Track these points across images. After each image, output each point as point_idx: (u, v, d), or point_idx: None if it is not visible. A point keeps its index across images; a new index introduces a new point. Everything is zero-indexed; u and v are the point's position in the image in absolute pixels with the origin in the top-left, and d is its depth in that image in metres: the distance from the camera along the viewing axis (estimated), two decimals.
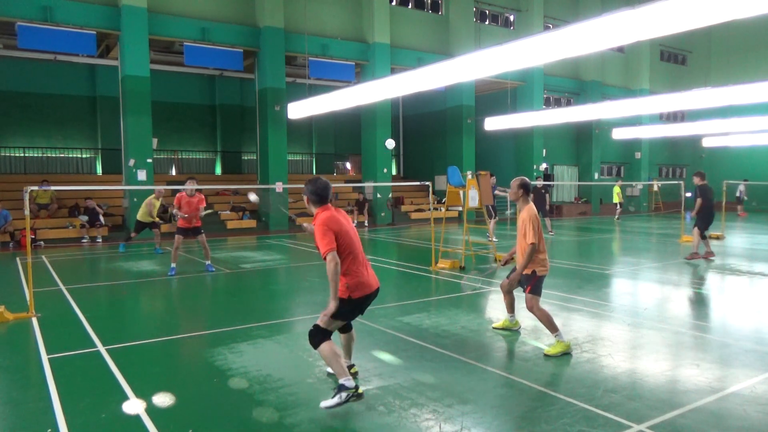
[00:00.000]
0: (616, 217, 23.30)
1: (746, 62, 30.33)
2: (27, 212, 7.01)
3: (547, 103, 27.22)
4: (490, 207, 12.98)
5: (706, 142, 25.56)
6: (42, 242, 14.65)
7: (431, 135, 25.94)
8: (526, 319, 6.20)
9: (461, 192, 10.71)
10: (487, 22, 24.63)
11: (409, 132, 28.18)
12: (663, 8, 5.08)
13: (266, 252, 13.27)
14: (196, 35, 17.18)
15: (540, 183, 17.31)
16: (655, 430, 3.54)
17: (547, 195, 17.23)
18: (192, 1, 17.30)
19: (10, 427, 3.72)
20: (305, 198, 4.05)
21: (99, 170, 21.67)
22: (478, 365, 4.84)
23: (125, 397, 4.17)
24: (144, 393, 4.24)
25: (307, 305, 7.38)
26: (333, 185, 15.94)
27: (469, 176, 10.60)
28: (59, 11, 15.06)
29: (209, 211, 10.09)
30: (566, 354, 5.06)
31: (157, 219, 12.59)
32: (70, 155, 21.40)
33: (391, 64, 20.63)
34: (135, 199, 15.79)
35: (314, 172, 26.65)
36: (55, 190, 16.49)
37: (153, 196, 12.40)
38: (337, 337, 4.26)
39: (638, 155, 30.09)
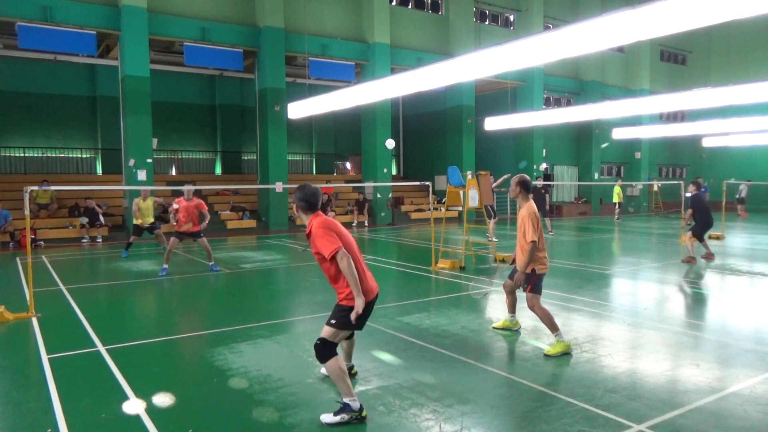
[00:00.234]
0: (616, 217, 23.30)
1: (746, 62, 30.33)
2: (27, 212, 7.01)
3: (547, 103, 27.23)
4: (489, 207, 12.98)
5: (706, 142, 25.56)
6: (42, 242, 14.66)
7: (431, 135, 25.94)
8: (526, 319, 6.20)
9: (461, 192, 10.72)
10: (487, 22, 24.63)
11: (409, 132, 28.19)
12: (663, 8, 5.07)
13: (266, 252, 13.27)
14: (196, 35, 17.18)
15: (540, 183, 17.30)
16: (655, 430, 3.54)
17: (547, 195, 17.22)
18: (192, 1, 17.31)
19: (10, 427, 3.72)
20: (295, 207, 3.89)
21: (99, 170, 21.67)
22: (478, 365, 4.84)
23: (125, 397, 4.17)
24: (144, 393, 4.25)
25: (307, 305, 7.38)
26: (333, 185, 15.83)
27: (469, 176, 10.61)
28: (59, 11, 15.06)
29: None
30: (566, 354, 5.06)
31: (152, 221, 12.32)
32: (70, 155, 21.40)
33: (391, 64, 20.64)
34: (134, 200, 15.75)
35: (314, 172, 26.65)
36: (55, 190, 16.49)
37: (140, 197, 12.27)
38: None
39: (638, 155, 30.10)
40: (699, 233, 10.96)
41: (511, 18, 25.41)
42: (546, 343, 5.43)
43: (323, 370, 4.62)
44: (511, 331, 5.89)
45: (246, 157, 24.78)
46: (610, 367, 4.73)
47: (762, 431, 3.54)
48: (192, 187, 10.05)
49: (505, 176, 13.38)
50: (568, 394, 4.14)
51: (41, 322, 6.48)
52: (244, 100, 24.33)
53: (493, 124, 18.55)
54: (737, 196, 25.23)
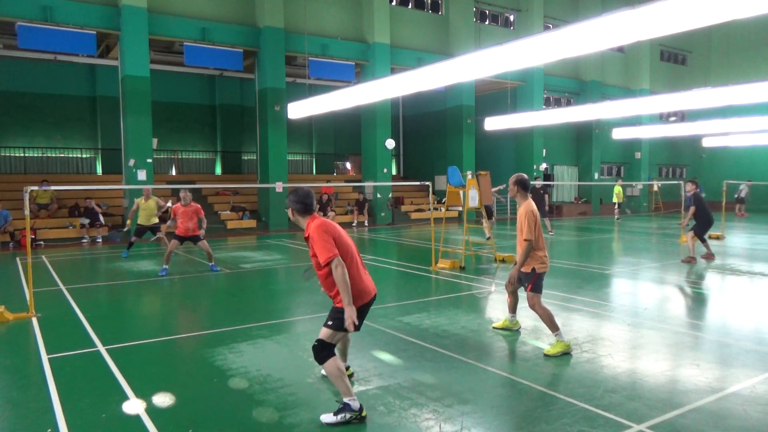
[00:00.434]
0: (616, 217, 23.31)
1: (746, 62, 30.33)
2: (27, 212, 7.01)
3: (547, 103, 27.23)
4: (488, 207, 12.98)
5: (706, 142, 25.56)
6: (42, 242, 14.66)
7: (431, 135, 25.94)
8: (526, 319, 6.20)
9: (461, 192, 10.72)
10: (487, 22, 24.63)
11: (409, 132, 28.19)
12: (663, 8, 5.07)
13: (266, 252, 13.27)
14: (196, 35, 17.18)
15: (539, 183, 17.29)
16: (655, 430, 3.54)
17: (546, 195, 17.19)
18: (192, 1, 17.31)
19: (10, 427, 3.72)
20: (290, 210, 3.87)
21: (99, 170, 21.68)
22: (478, 365, 4.84)
23: (125, 397, 4.17)
24: (144, 393, 4.25)
25: (307, 305, 7.38)
26: (333, 185, 15.75)
27: (469, 176, 10.61)
28: (59, 11, 15.07)
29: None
30: (566, 354, 5.06)
31: (156, 222, 12.32)
32: (70, 155, 21.40)
33: (391, 64, 20.64)
34: (135, 200, 15.76)
35: (314, 172, 26.66)
36: (55, 190, 16.49)
37: (141, 197, 12.21)
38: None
39: (638, 155, 30.10)
40: (700, 232, 10.95)
41: (511, 18, 25.41)
42: (546, 343, 5.43)
43: (323, 371, 4.63)
44: (511, 331, 5.89)
45: (246, 157, 24.78)
46: (610, 367, 4.73)
47: (762, 431, 3.54)
48: (189, 193, 10.05)
49: (501, 187, 13.46)
50: (568, 394, 4.14)
51: (41, 322, 6.48)
52: (244, 100, 24.33)
53: (493, 124, 18.55)
54: (736, 196, 25.22)
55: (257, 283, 9.46)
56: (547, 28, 25.29)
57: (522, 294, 5.64)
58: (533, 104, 24.56)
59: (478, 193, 10.61)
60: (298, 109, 13.72)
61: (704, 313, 7.08)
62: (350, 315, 3.58)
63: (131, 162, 16.16)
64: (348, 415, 3.67)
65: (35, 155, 20.60)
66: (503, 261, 10.82)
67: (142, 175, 16.22)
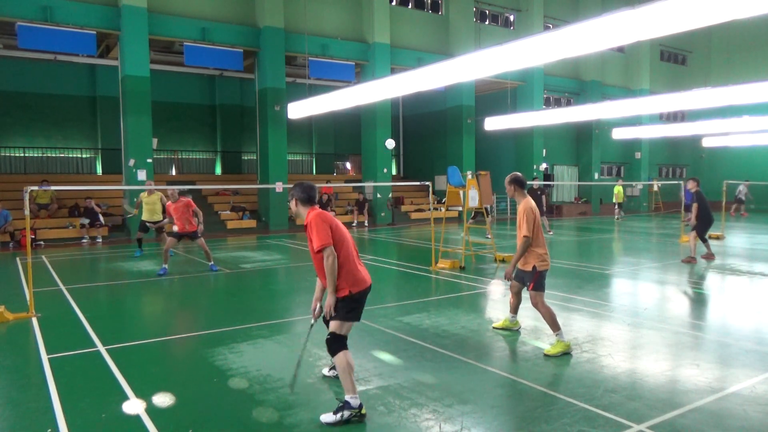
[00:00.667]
0: (616, 217, 23.31)
1: (746, 62, 30.33)
2: (27, 212, 7.01)
3: (547, 103, 27.22)
4: (488, 207, 12.98)
5: (706, 142, 25.54)
6: (42, 242, 14.66)
7: (431, 135, 25.94)
8: (526, 319, 6.21)
9: (461, 192, 10.72)
10: (487, 22, 24.63)
11: (409, 132, 28.18)
12: (663, 8, 5.07)
13: (266, 252, 13.27)
14: (196, 35, 17.18)
15: (536, 184, 17.26)
16: (655, 430, 3.54)
17: (544, 196, 17.14)
18: (192, 1, 17.30)
19: (10, 427, 3.72)
20: (293, 201, 3.95)
21: (99, 170, 21.67)
22: (478, 365, 4.84)
23: (125, 397, 4.17)
24: (144, 393, 4.25)
25: (307, 305, 7.35)
26: (333, 185, 15.83)
27: (469, 176, 10.61)
28: (59, 11, 15.06)
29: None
30: (566, 354, 5.06)
31: (161, 218, 12.32)
32: (70, 155, 21.40)
33: (391, 64, 20.63)
34: (135, 200, 15.78)
35: (314, 172, 26.65)
36: (55, 190, 16.48)
37: (145, 192, 12.25)
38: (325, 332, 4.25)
39: (638, 155, 30.10)
40: (701, 232, 10.94)
41: (511, 18, 25.41)
42: (546, 342, 5.43)
43: (324, 370, 4.65)
44: (511, 331, 5.89)
45: (246, 157, 24.77)
46: (610, 367, 4.73)
47: (762, 431, 3.54)
48: (175, 188, 10.06)
49: None
50: (568, 394, 4.14)
51: (41, 322, 6.48)
52: (244, 100, 24.32)
53: (493, 124, 18.55)
54: (736, 196, 25.20)
55: (257, 283, 9.46)
56: (547, 28, 25.30)
57: (525, 295, 5.65)
58: (533, 104, 24.56)
59: (478, 193, 10.62)
60: (298, 109, 13.71)
61: (704, 313, 7.08)
62: (330, 303, 3.76)
63: (131, 162, 16.16)
64: (347, 413, 3.69)
65: (35, 155, 20.59)
66: (503, 261, 10.82)
67: (142, 175, 16.22)
